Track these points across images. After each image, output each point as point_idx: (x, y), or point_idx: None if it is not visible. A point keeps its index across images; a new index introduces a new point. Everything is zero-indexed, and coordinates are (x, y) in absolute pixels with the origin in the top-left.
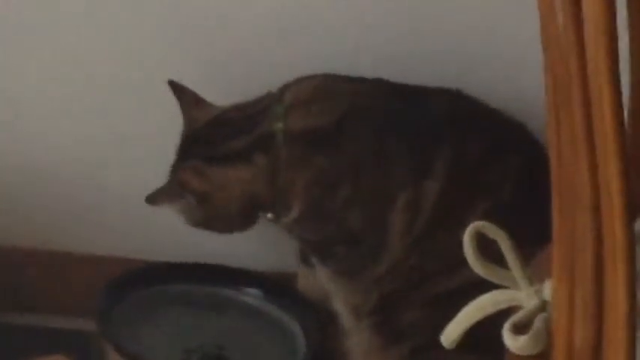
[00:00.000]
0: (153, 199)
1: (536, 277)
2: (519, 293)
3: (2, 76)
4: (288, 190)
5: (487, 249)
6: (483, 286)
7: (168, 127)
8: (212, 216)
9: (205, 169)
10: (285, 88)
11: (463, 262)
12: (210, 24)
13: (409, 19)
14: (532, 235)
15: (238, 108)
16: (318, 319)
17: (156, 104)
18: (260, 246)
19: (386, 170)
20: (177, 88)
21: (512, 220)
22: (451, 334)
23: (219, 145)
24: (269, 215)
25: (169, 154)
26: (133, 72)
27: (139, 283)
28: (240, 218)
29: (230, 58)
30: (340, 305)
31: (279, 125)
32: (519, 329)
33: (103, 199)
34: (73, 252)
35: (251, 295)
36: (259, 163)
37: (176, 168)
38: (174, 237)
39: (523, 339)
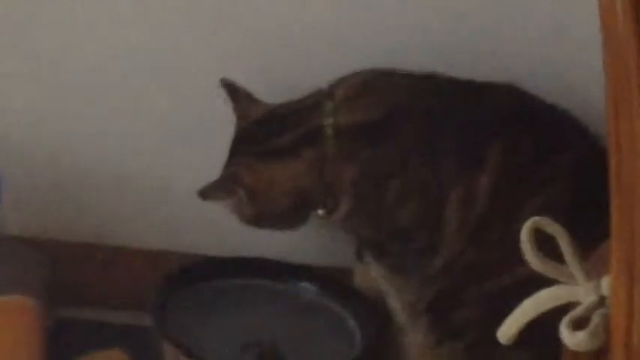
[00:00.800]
0: (205, 193)
1: (594, 273)
2: (577, 289)
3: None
4: (336, 184)
5: (543, 245)
6: (540, 282)
7: (222, 124)
8: (262, 212)
9: (255, 165)
10: (335, 84)
11: (519, 257)
12: (263, 26)
13: (464, 13)
14: (586, 231)
15: (287, 105)
16: (375, 314)
17: (208, 103)
18: (316, 241)
19: (436, 165)
20: (230, 86)
21: (567, 216)
22: (508, 330)
23: (268, 141)
24: (320, 211)
25: (224, 150)
26: (186, 71)
27: (195, 278)
28: (291, 215)
29: (281, 57)
30: (395, 302)
31: (330, 120)
32: (577, 325)
33: (159, 195)
34: (131, 247)
35: (307, 290)
36: (307, 157)
37: (228, 164)
38: (231, 232)
39: (581, 335)
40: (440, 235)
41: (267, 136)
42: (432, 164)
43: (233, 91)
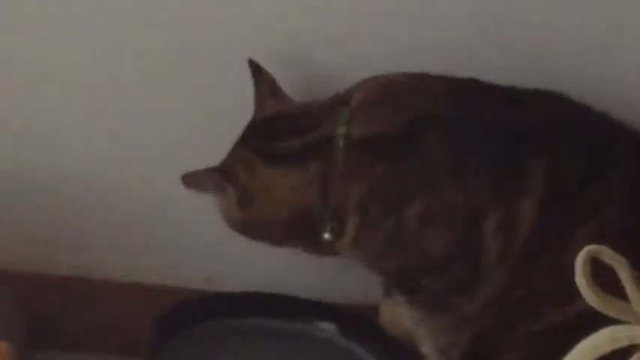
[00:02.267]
0: (188, 179)
1: None
2: None
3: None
4: (342, 204)
5: (600, 278)
6: (596, 321)
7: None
8: (252, 220)
9: (256, 165)
10: (353, 88)
11: (571, 292)
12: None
13: (502, 11)
14: None
15: (303, 106)
16: (404, 355)
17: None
18: (337, 275)
19: (468, 185)
20: (256, 69)
21: (623, 243)
22: None
23: (275, 142)
24: (326, 235)
25: None
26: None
27: (194, 317)
28: (286, 232)
29: (309, 51)
30: (427, 348)
31: (342, 130)
32: None
33: (152, 219)
34: (118, 280)
35: (326, 330)
36: (312, 170)
37: (229, 155)
38: (236, 263)
39: None
40: (478, 267)
41: (276, 137)
42: (462, 184)
43: (258, 74)
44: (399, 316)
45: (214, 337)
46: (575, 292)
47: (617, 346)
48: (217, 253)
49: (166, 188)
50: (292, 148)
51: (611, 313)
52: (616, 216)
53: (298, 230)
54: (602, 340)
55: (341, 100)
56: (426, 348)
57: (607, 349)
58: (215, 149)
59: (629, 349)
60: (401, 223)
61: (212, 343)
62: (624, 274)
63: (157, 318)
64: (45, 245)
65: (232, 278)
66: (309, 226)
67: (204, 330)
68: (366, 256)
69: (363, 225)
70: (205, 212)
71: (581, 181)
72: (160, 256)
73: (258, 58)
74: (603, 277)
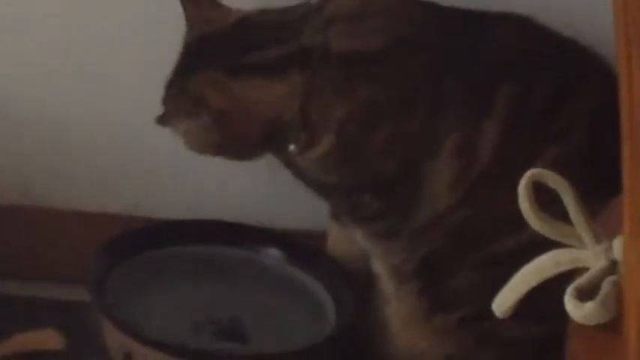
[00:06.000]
0: (165, 119)
1: (604, 234)
2: (584, 252)
3: None
4: (320, 120)
5: (549, 204)
6: (546, 247)
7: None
8: (227, 141)
9: (228, 82)
10: None
11: (523, 218)
12: None
13: None
14: (608, 188)
15: (268, 13)
16: (351, 283)
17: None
18: (282, 199)
19: (438, 109)
20: None
21: (586, 169)
22: (505, 301)
23: (245, 54)
24: (292, 147)
25: None
26: None
27: (138, 245)
28: (257, 145)
29: None
30: (378, 266)
31: (318, 39)
32: (584, 295)
33: (95, 144)
34: (63, 209)
35: (271, 257)
36: (294, 80)
37: (184, 79)
38: (179, 189)
39: (589, 306)
40: (424, 187)
41: (244, 49)
42: (433, 107)
43: None
44: (347, 239)
45: (159, 265)
46: (524, 219)
47: (560, 270)
48: (161, 180)
49: (113, 115)
50: (269, 58)
51: (555, 236)
52: (580, 143)
53: (269, 143)
54: (545, 264)
55: (312, 8)
56: (376, 266)
57: (550, 273)
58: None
59: (571, 274)
60: (368, 143)
61: (157, 270)
62: (568, 198)
63: (101, 246)
64: None
65: (178, 205)
66: (281, 137)
67: (149, 258)
68: (317, 168)
69: (337, 142)
70: (150, 137)
71: (546, 107)
72: (103, 184)
73: None
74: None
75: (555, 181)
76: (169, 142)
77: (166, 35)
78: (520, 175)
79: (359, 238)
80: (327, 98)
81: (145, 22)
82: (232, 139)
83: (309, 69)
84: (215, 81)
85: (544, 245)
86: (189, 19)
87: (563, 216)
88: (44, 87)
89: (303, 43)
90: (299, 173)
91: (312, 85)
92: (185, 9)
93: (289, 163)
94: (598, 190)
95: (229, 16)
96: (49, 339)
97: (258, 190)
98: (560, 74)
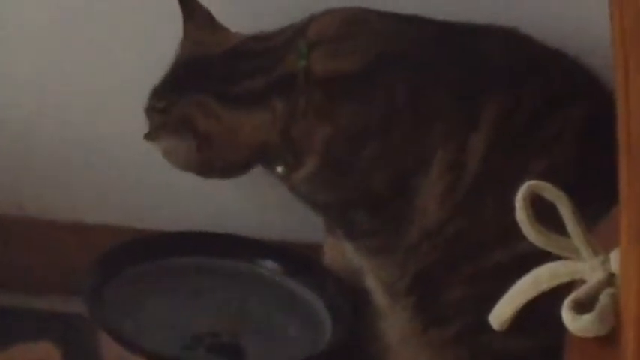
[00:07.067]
0: (153, 136)
1: (601, 247)
2: (581, 265)
3: None
4: (304, 141)
5: (544, 215)
6: (540, 259)
7: None
8: (210, 162)
9: (216, 109)
10: (309, 19)
11: (517, 230)
12: None
13: None
14: (598, 200)
15: (259, 39)
16: (348, 296)
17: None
18: (279, 212)
19: (424, 125)
20: (187, 1)
21: (575, 182)
22: (502, 313)
23: (235, 83)
24: (279, 169)
25: None
26: None
27: (135, 257)
28: (242, 167)
29: None
30: (372, 282)
31: (302, 63)
32: (582, 307)
33: (90, 156)
34: (58, 221)
35: (268, 269)
36: (277, 108)
37: (173, 96)
38: (177, 202)
39: (586, 318)
40: (416, 203)
41: (235, 76)
42: (420, 123)
43: (190, 6)
44: (343, 252)
45: (155, 277)
46: (518, 231)
47: (557, 282)
48: (157, 192)
49: (108, 127)
50: (254, 87)
51: (552, 248)
52: (568, 155)
53: (254, 165)
54: (542, 276)
55: (297, 31)
56: (370, 282)
57: (547, 285)
58: None
59: (568, 287)
60: (356, 162)
61: (153, 282)
62: (565, 210)
63: (97, 258)
64: None
65: (176, 218)
66: (266, 160)
67: (145, 269)
68: (307, 188)
69: (323, 163)
70: (148, 152)
71: (534, 119)
72: (98, 196)
73: None
74: (548, 214)
75: (553, 194)
76: None
77: (165, 50)
78: (509, 188)
79: (353, 254)
80: (310, 120)
81: (145, 36)
82: (215, 162)
83: (291, 94)
84: (205, 105)
85: (536, 257)
86: (187, 37)
87: (556, 228)
88: (40, 99)
89: (286, 70)
90: (292, 189)
91: (295, 108)
92: (185, 27)
93: (282, 179)
94: (587, 201)
95: (227, 41)
96: (46, 351)
97: (255, 201)
98: (547, 86)
